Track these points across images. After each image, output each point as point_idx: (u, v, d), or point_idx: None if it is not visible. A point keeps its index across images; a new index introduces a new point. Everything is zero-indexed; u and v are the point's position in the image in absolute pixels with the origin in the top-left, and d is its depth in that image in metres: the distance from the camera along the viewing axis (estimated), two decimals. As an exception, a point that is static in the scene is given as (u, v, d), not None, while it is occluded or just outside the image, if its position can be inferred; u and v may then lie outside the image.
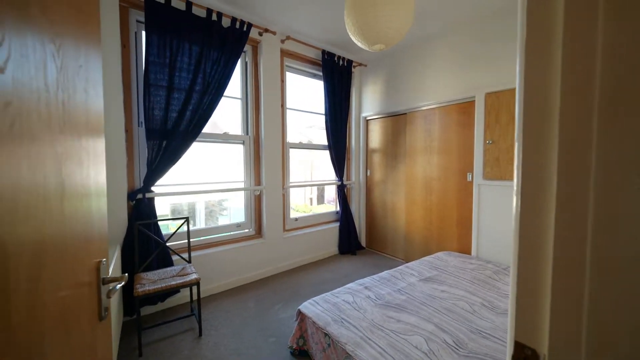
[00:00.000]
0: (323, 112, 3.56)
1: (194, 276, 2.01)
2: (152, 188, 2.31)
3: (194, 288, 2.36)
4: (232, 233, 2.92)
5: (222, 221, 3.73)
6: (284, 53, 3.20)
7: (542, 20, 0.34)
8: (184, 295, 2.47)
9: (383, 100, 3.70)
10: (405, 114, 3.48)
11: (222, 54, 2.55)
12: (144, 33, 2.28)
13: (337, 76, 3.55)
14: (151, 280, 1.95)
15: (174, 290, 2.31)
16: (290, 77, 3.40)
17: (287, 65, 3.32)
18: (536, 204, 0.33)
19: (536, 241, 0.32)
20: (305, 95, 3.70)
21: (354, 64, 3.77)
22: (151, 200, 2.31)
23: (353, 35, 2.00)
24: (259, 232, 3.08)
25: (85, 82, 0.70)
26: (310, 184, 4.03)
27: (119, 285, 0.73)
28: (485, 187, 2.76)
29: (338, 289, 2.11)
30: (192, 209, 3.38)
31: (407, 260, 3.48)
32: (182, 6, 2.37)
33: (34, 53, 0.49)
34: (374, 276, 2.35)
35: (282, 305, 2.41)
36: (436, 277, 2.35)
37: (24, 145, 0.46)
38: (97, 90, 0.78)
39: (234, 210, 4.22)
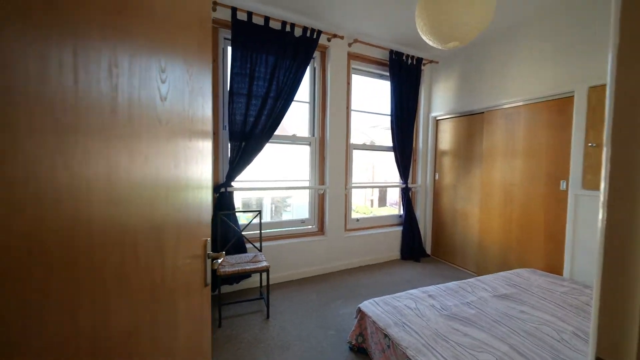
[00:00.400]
0: (388, 112, 3.52)
1: (264, 263, 2.24)
2: (232, 183, 2.65)
3: (264, 274, 2.62)
4: (296, 228, 3.13)
5: (285, 216, 4.03)
6: (351, 56, 3.28)
7: (637, 20, 0.33)
8: (254, 280, 2.76)
9: (456, 98, 3.45)
10: (483, 113, 3.19)
11: (294, 62, 2.76)
12: (229, 49, 2.64)
13: (405, 75, 3.47)
14: (230, 264, 2.25)
15: (247, 274, 2.62)
16: (355, 78, 3.46)
17: (353, 68, 3.39)
18: (624, 217, 0.32)
19: (623, 255, 0.32)
20: (370, 96, 3.71)
21: (424, 61, 3.62)
22: (231, 193, 2.66)
23: (424, 35, 1.95)
24: (321, 229, 3.23)
25: (202, 99, 0.89)
26: (373, 186, 4.02)
27: (220, 260, 0.91)
28: (585, 198, 2.35)
29: (399, 294, 2.09)
30: (260, 203, 3.74)
31: (479, 273, 3.19)
32: (260, 21, 2.65)
33: (179, 82, 0.67)
34: (440, 285, 2.24)
35: (342, 302, 2.50)
36: (514, 295, 2.12)
37: (172, 150, 0.63)
38: (208, 103, 0.97)
39: (296, 207, 4.50)
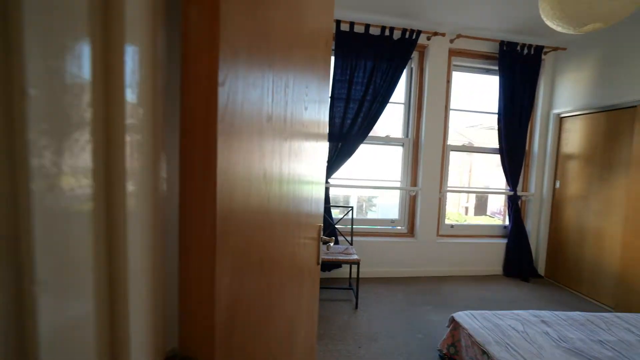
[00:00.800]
0: (492, 110, 3.15)
1: (355, 256, 2.38)
2: (329, 180, 2.89)
3: (354, 267, 2.77)
4: (385, 227, 3.16)
5: (370, 215, 4.08)
6: (452, 52, 3.08)
7: None
8: (343, 271, 2.93)
9: (592, 90, 2.81)
10: (635, 107, 2.50)
11: (391, 65, 2.80)
12: (332, 58, 2.88)
13: (519, 67, 3.03)
14: (324, 252, 2.48)
15: (338, 264, 2.82)
16: (455, 75, 3.23)
17: (454, 65, 3.17)
18: None
19: None
20: (470, 93, 3.40)
21: (545, 49, 3.08)
22: (327, 189, 2.90)
23: (551, 20, 1.70)
24: (411, 231, 3.17)
25: (324, 106, 1.06)
26: (471, 191, 3.67)
27: (332, 244, 1.07)
28: None
29: (502, 312, 1.89)
30: (347, 201, 3.90)
31: (618, 309, 2.52)
32: (361, 29, 2.79)
33: (314, 94, 0.85)
34: (558, 313, 1.91)
35: (432, 308, 2.41)
36: (678, 345, 1.62)
37: (308, 150, 0.82)
38: (327, 110, 1.15)
39: (382, 207, 4.48)
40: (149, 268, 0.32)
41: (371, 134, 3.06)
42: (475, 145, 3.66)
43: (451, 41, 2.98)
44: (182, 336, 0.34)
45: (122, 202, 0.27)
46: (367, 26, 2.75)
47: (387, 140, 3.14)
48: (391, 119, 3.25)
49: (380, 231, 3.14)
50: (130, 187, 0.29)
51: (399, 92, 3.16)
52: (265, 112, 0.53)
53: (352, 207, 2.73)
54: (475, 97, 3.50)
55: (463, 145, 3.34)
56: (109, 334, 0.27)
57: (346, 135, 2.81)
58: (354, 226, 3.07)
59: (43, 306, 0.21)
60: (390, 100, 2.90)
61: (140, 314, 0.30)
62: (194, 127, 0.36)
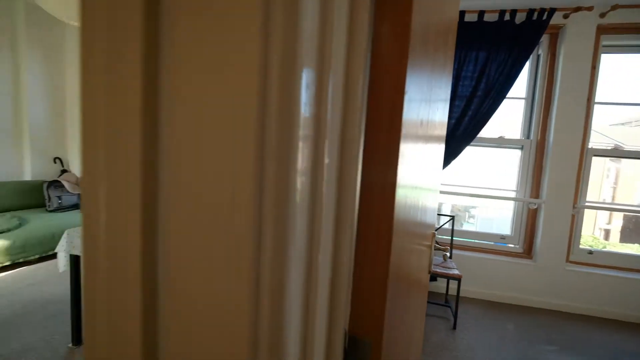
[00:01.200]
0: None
1: (455, 271, 2.14)
2: (425, 185, 2.70)
3: (451, 282, 2.50)
4: (492, 243, 2.75)
5: (467, 227, 3.58)
6: (602, 29, 2.42)
7: None
8: (437, 285, 2.69)
9: None
10: None
11: (510, 54, 2.40)
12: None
13: None
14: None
15: (434, 277, 2.60)
16: (603, 59, 2.53)
17: (603, 46, 2.49)
18: None
19: None
20: (622, 81, 2.61)
21: None
22: (422, 195, 2.71)
23: None
24: (528, 252, 2.65)
25: (447, 106, 0.98)
26: (625, 209, 2.82)
27: (448, 254, 0.99)
28: None
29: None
30: (439, 209, 3.54)
31: None
32: (473, 17, 2.49)
33: (442, 92, 0.79)
34: None
35: (557, 350, 1.96)
36: None
37: (435, 155, 0.77)
38: (447, 110, 1.06)
39: (482, 220, 3.89)
40: (349, 258, 0.37)
41: (479, 134, 2.71)
42: (628, 148, 2.80)
43: (601, 15, 2.34)
44: (353, 319, 0.40)
45: (352, 201, 0.33)
46: (481, 13, 2.44)
47: (500, 142, 2.71)
48: (506, 118, 2.79)
49: (485, 247, 2.74)
50: (351, 187, 0.34)
51: (518, 85, 2.69)
52: (420, 116, 0.52)
53: (453, 217, 2.47)
54: (630, 85, 2.67)
55: (614, 149, 2.58)
56: (332, 310, 0.34)
57: (450, 136, 2.56)
58: (452, 238, 2.78)
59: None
60: (508, 95, 2.49)
61: (344, 295, 0.36)
62: (378, 136, 0.38)
